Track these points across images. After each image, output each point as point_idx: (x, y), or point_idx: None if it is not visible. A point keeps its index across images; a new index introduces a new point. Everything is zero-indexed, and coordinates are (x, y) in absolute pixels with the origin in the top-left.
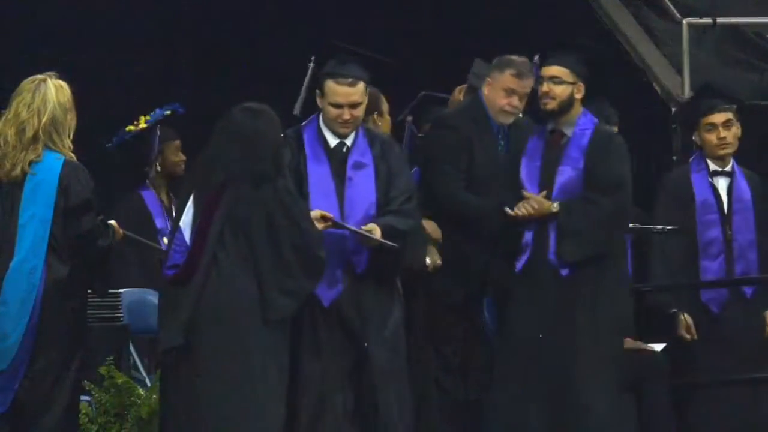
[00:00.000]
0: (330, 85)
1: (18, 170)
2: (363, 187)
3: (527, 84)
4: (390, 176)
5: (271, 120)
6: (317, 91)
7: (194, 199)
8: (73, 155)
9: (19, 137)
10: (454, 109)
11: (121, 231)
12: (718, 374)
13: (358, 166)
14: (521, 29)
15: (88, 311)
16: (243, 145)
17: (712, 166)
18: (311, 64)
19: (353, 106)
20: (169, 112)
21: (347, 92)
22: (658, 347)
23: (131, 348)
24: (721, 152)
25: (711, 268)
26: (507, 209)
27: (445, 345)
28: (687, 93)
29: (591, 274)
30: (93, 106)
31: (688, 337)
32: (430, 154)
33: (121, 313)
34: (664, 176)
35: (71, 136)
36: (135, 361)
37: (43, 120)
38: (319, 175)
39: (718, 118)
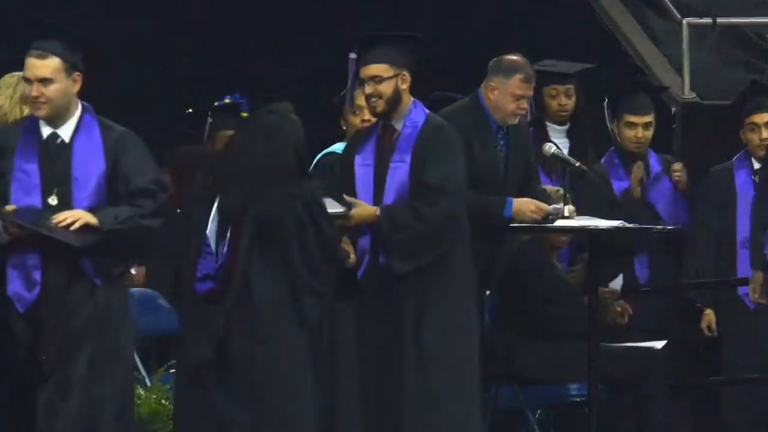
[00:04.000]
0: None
1: None
2: (88, 185)
3: (533, 85)
4: (125, 173)
5: (290, 119)
6: None
7: (219, 206)
8: None
9: None
10: (452, 108)
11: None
12: (748, 370)
13: (83, 161)
14: (521, 29)
15: None
16: (265, 145)
17: (756, 164)
18: (352, 56)
19: (42, 81)
20: (228, 101)
21: (33, 64)
22: (659, 345)
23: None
24: (762, 153)
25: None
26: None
27: None
28: (687, 93)
29: (422, 279)
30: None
31: (708, 333)
32: None
33: None
34: (708, 171)
35: None
36: (135, 361)
37: (26, 111)
38: (26, 171)
39: (760, 118)
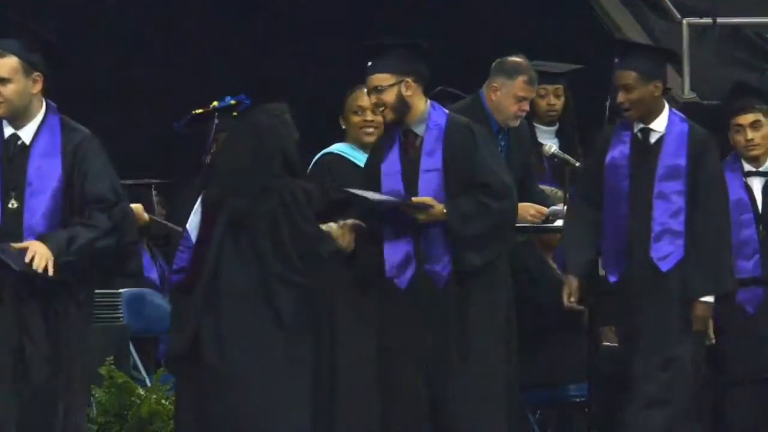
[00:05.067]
0: None
1: None
2: (44, 189)
3: (535, 87)
4: (82, 177)
5: (283, 119)
6: None
7: (202, 200)
8: None
9: None
10: (454, 108)
11: (146, 216)
12: (754, 374)
13: (41, 164)
14: (522, 30)
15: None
16: (251, 144)
17: (746, 167)
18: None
19: None
20: (234, 102)
21: None
22: None
23: (131, 348)
24: (749, 154)
25: (745, 267)
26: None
27: None
28: (687, 93)
29: (474, 283)
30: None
31: (713, 341)
32: None
33: (121, 313)
34: None
35: None
36: (135, 361)
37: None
38: None
39: (745, 119)
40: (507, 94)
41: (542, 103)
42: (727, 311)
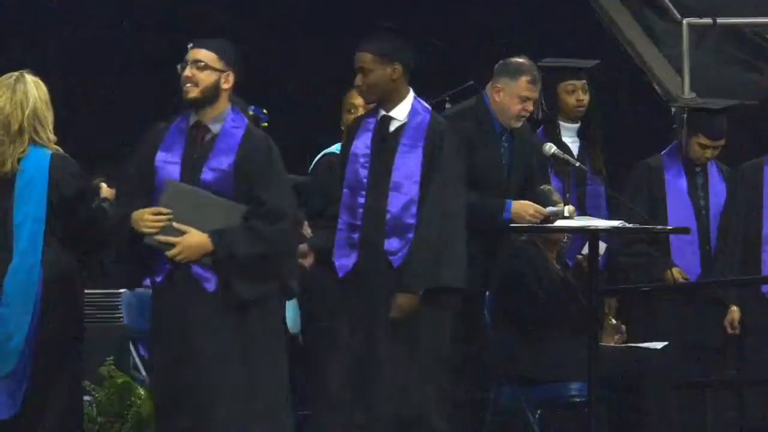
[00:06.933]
0: None
1: (8, 165)
2: None
3: (539, 87)
4: None
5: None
6: None
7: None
8: (59, 147)
9: (6, 131)
10: (456, 109)
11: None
12: None
13: None
14: (521, 29)
15: (89, 311)
16: None
17: None
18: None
19: None
20: (251, 113)
21: None
22: (658, 345)
23: (131, 348)
24: None
25: None
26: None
27: None
28: (687, 93)
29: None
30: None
31: (730, 330)
32: None
33: (121, 313)
34: (739, 167)
35: (51, 130)
36: (135, 361)
37: (27, 112)
38: None
39: None
40: (510, 94)
41: (571, 99)
42: (752, 305)
